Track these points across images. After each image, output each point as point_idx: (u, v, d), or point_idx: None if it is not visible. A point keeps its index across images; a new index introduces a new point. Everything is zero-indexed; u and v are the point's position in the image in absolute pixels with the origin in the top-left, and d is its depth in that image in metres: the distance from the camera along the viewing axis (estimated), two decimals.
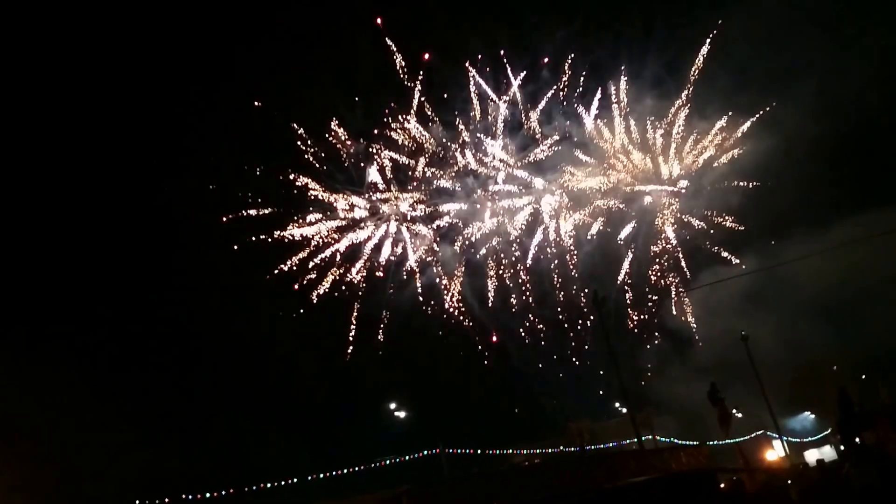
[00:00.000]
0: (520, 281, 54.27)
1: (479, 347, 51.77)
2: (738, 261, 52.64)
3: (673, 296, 53.07)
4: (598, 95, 50.44)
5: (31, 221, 38.93)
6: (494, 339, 51.98)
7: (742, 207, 54.24)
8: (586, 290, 49.19)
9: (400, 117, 48.08)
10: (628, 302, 54.71)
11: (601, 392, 58.92)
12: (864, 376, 52.41)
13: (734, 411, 36.34)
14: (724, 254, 52.53)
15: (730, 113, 50.81)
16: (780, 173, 52.03)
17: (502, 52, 49.27)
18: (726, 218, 52.80)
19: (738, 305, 52.81)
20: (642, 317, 55.59)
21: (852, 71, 50.83)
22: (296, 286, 45.28)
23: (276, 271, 44.74)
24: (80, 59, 41.86)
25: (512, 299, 54.03)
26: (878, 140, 53.03)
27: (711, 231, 54.18)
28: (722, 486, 26.94)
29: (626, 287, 54.88)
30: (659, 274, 54.73)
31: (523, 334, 55.05)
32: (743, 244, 54.16)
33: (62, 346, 35.50)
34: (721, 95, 51.31)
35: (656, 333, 56.73)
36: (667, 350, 58.15)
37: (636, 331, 55.54)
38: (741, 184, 52.88)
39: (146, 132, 43.69)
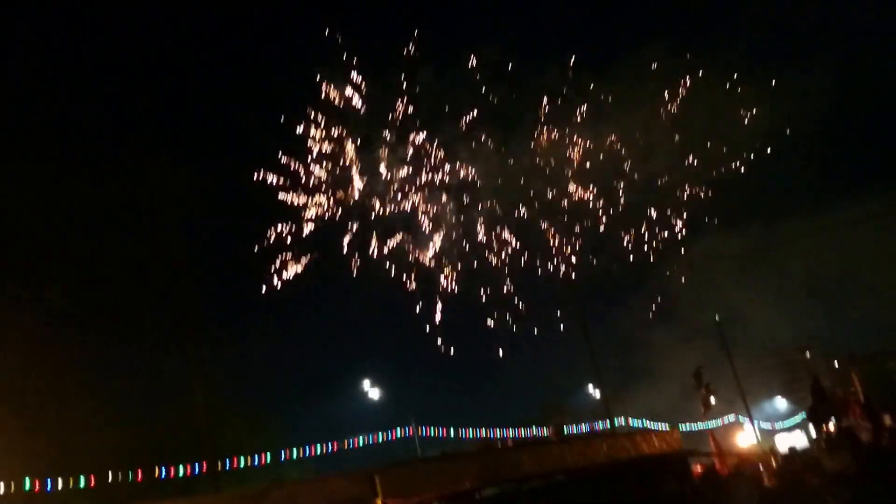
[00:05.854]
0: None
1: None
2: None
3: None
4: None
5: None
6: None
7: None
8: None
9: None
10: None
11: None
12: (836, 363, 53.03)
13: (711, 399, 36.36)
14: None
15: None
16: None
17: None
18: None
19: (726, 280, 52.74)
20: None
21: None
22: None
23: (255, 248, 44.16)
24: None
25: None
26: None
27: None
28: (694, 469, 27.06)
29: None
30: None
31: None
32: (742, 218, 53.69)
33: (35, 317, 34.67)
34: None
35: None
36: (651, 323, 57.89)
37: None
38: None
39: None
